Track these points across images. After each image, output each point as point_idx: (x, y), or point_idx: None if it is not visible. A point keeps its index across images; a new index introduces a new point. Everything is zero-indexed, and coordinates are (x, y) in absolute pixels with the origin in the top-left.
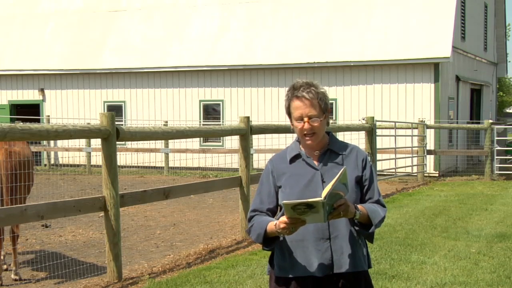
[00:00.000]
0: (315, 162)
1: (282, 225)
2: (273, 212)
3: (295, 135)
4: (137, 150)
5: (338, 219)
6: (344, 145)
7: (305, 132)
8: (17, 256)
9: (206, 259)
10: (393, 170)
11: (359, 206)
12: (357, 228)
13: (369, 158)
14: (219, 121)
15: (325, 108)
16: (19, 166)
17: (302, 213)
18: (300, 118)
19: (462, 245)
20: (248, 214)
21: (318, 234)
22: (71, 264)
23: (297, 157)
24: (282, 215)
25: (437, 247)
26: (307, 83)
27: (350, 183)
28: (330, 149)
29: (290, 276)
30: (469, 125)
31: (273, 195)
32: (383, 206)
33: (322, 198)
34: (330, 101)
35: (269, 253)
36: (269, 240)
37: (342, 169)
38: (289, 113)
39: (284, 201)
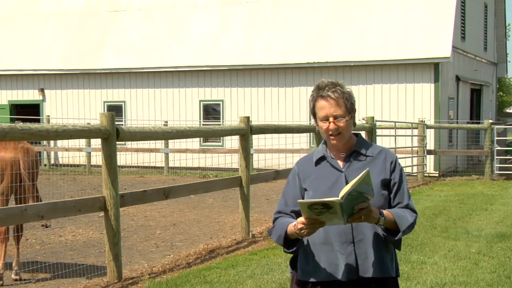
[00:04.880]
0: (340, 164)
1: (299, 226)
2: (298, 214)
3: (294, 135)
4: (137, 150)
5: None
6: (372, 147)
7: (331, 133)
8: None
9: (206, 259)
10: None
11: (384, 211)
12: (384, 233)
13: (399, 161)
14: (219, 121)
15: (351, 108)
16: (34, 165)
17: (320, 213)
18: (326, 118)
19: (462, 245)
20: (273, 216)
21: (342, 238)
22: (71, 264)
23: (322, 159)
24: None
25: (437, 247)
26: (332, 83)
27: (375, 186)
28: (356, 151)
29: (313, 280)
30: (469, 125)
31: (298, 197)
32: (413, 211)
33: (338, 198)
34: None
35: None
36: (291, 242)
37: (365, 171)
38: (314, 113)
39: (299, 200)
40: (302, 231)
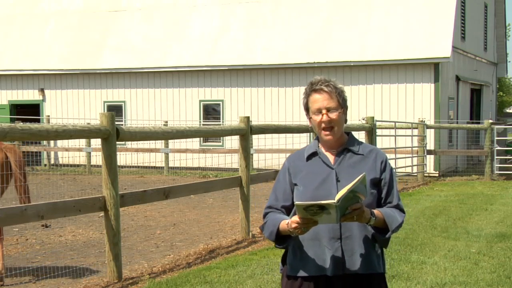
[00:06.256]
0: (332, 161)
1: (293, 225)
2: (288, 209)
3: (294, 135)
4: (137, 150)
5: None
6: (363, 146)
7: (324, 126)
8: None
9: (206, 259)
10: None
11: (375, 211)
12: (373, 232)
13: (389, 161)
14: (219, 121)
15: (343, 103)
16: (24, 165)
17: (315, 214)
18: (319, 111)
19: (462, 245)
20: (263, 211)
21: (330, 234)
22: (71, 264)
23: (314, 155)
24: (295, 213)
25: (437, 247)
26: (325, 79)
27: (367, 188)
28: (347, 148)
29: (302, 275)
30: (469, 125)
31: (288, 192)
32: (402, 211)
33: (335, 201)
34: None
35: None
36: (282, 238)
37: (362, 175)
38: (307, 108)
39: (297, 202)
40: (296, 230)
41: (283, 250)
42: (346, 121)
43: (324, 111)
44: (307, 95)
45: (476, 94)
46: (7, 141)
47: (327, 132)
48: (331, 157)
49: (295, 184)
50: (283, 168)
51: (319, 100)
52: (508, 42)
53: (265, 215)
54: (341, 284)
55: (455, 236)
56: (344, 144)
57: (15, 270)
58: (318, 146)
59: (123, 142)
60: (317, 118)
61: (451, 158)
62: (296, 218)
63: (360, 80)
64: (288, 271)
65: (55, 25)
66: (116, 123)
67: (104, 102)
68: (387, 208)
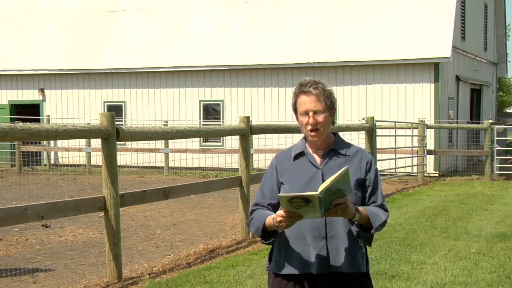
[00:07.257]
0: (318, 161)
1: (279, 218)
2: (274, 207)
3: (294, 135)
4: (137, 150)
5: (337, 218)
6: (350, 147)
7: (310, 128)
8: None
9: (206, 259)
10: (393, 170)
11: (360, 208)
12: (356, 229)
13: (374, 162)
14: (219, 121)
15: (331, 105)
16: None
17: (299, 207)
18: (306, 113)
19: (462, 245)
20: (250, 208)
21: (315, 233)
22: (71, 264)
23: (301, 154)
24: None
25: (437, 247)
26: (314, 81)
27: (351, 184)
28: (334, 149)
29: (287, 272)
30: (469, 125)
31: (275, 190)
32: (386, 210)
33: (317, 193)
34: None
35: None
36: (268, 234)
37: (344, 168)
38: (295, 109)
39: (280, 194)
40: (281, 224)
41: (261, 241)
42: (333, 123)
43: (310, 113)
44: (296, 96)
45: (476, 94)
46: (7, 141)
47: (313, 134)
48: (317, 158)
49: (282, 183)
50: (271, 166)
51: (307, 102)
52: (508, 42)
53: (251, 212)
54: (326, 283)
55: (455, 236)
56: (331, 145)
57: (15, 270)
58: (306, 147)
59: (123, 142)
60: (304, 119)
61: (451, 158)
62: (281, 211)
63: (360, 80)
64: (273, 269)
65: (55, 25)
66: (116, 123)
67: (104, 102)
68: (371, 206)
